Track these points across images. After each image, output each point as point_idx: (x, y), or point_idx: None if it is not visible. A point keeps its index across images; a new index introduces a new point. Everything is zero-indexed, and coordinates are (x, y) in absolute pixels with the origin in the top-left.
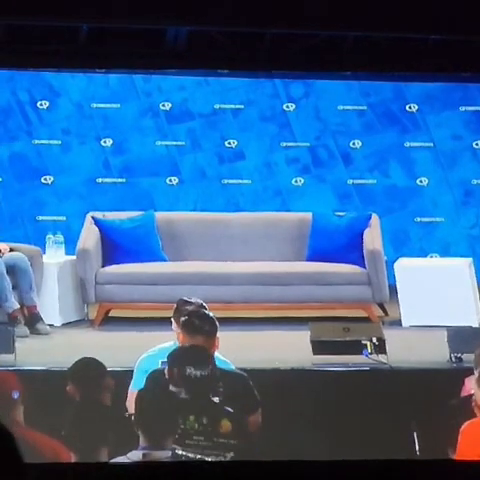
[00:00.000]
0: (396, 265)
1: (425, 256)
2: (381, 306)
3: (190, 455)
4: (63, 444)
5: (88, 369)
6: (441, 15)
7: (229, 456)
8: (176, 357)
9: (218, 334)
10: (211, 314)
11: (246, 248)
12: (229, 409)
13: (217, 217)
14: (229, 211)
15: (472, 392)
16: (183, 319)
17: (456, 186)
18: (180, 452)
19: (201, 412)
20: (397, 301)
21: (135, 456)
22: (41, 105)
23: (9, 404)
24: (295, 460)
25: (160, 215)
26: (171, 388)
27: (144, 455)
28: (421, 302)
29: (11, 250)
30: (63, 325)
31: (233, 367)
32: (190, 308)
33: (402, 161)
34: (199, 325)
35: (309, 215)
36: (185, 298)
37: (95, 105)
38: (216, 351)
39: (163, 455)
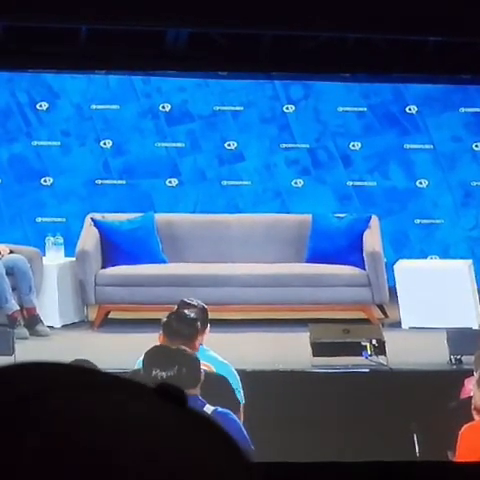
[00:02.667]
0: (396, 267)
1: (425, 258)
2: (381, 308)
3: None
4: None
5: None
6: (441, 17)
7: None
8: (144, 359)
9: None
10: (192, 315)
11: (246, 250)
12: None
13: (217, 219)
14: (229, 213)
15: (472, 394)
16: (163, 321)
17: (456, 188)
18: None
19: None
20: (397, 303)
21: None
22: (40, 106)
23: None
24: (294, 462)
25: (160, 217)
26: None
27: None
28: (421, 304)
29: (11, 252)
30: (63, 327)
31: (232, 368)
32: (193, 310)
33: (402, 163)
34: (177, 328)
35: (309, 217)
36: (186, 300)
37: (95, 106)
38: (212, 352)
39: None
